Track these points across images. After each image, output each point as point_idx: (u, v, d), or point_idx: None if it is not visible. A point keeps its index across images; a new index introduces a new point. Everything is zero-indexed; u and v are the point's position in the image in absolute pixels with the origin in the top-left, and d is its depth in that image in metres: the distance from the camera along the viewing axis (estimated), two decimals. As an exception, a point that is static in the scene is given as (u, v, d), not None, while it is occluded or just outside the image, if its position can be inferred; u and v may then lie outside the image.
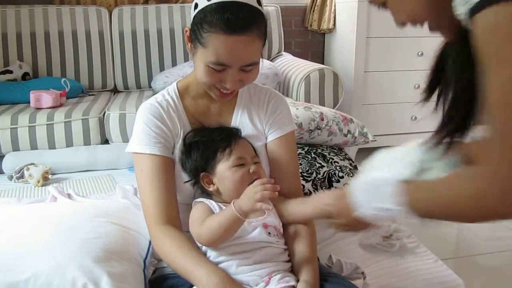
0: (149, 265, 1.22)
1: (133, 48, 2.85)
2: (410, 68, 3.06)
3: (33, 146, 2.20)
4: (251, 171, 1.09)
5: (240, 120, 1.22)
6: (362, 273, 1.35)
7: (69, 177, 2.10)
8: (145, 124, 1.14)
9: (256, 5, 1.06)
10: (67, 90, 2.42)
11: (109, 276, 1.03)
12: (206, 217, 1.04)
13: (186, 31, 1.11)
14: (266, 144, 1.23)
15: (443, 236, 2.20)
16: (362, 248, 1.52)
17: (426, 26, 0.75)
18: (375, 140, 2.07)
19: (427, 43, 3.03)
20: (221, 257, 1.04)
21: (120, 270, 1.07)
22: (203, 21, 1.03)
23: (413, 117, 3.14)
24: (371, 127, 3.06)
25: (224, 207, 1.08)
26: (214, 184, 1.11)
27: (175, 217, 1.11)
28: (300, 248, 1.11)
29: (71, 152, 2.20)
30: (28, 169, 2.01)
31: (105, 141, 2.32)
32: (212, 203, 1.09)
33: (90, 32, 2.81)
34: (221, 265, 1.03)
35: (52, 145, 2.21)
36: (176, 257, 1.03)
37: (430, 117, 3.19)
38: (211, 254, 1.05)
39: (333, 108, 2.55)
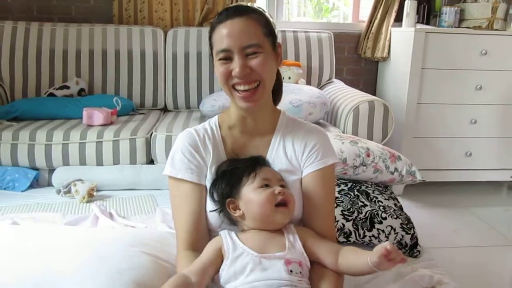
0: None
1: (185, 69, 2.90)
2: (466, 102, 2.93)
3: (82, 161, 2.26)
4: (276, 192, 1.10)
5: (275, 152, 1.24)
6: (400, 327, 1.28)
7: (113, 195, 2.15)
8: (180, 151, 1.21)
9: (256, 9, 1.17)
10: (118, 109, 2.48)
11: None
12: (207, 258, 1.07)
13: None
14: (301, 179, 1.21)
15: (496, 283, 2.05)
16: (402, 298, 1.44)
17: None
18: (424, 180, 1.97)
19: (487, 77, 2.90)
20: None
21: None
22: (211, 30, 1.17)
23: (468, 153, 2.99)
24: (421, 161, 2.96)
25: (239, 243, 1.07)
26: (240, 209, 1.13)
27: (201, 243, 1.13)
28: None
29: (117, 170, 2.25)
30: (75, 185, 2.07)
31: (151, 161, 2.36)
32: (227, 238, 1.09)
33: (145, 51, 2.89)
34: None
35: (100, 162, 2.27)
36: None
37: (484, 153, 3.04)
38: None
39: (382, 141, 2.47)
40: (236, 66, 1.12)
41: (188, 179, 1.17)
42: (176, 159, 1.20)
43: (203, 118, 2.60)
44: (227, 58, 1.13)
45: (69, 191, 2.10)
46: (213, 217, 1.18)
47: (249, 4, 1.19)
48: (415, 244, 1.70)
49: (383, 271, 1.02)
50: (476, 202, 2.96)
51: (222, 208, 1.15)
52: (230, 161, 1.21)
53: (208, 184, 1.19)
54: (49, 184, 2.27)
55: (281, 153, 1.23)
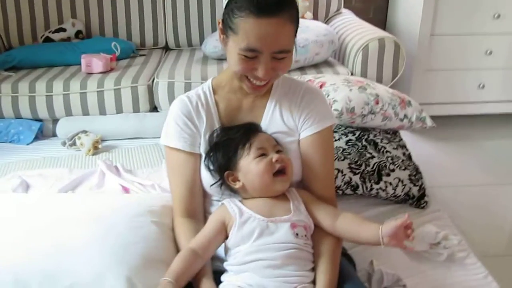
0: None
1: (185, 4, 2.74)
2: (483, 32, 2.77)
3: (85, 111, 2.23)
4: (273, 160, 1.09)
5: (271, 115, 1.21)
6: (404, 285, 1.31)
7: (118, 145, 2.14)
8: (174, 120, 1.19)
9: None
10: (117, 54, 2.40)
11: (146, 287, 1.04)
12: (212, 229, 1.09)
13: (219, 22, 1.11)
14: (299, 141, 1.21)
15: (494, 231, 2.07)
16: (406, 254, 1.46)
17: None
18: (434, 126, 1.91)
19: (506, 4, 2.72)
20: (247, 257, 1.05)
21: (157, 281, 1.08)
22: (234, 7, 1.03)
23: (481, 85, 2.89)
24: (432, 95, 2.88)
25: (245, 209, 1.09)
26: (239, 181, 1.12)
27: (196, 210, 1.19)
28: (324, 252, 1.09)
29: (121, 119, 2.22)
30: (79, 138, 2.06)
31: (154, 108, 2.32)
32: (232, 206, 1.11)
33: (142, -13, 2.72)
34: (247, 266, 1.04)
35: (102, 111, 2.24)
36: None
37: (498, 85, 2.95)
38: (237, 256, 1.06)
39: (392, 81, 2.38)
40: (262, 69, 1.06)
41: (181, 148, 1.17)
42: (169, 128, 1.20)
43: (205, 59, 2.51)
44: (252, 56, 1.05)
45: (74, 144, 2.09)
46: (214, 188, 1.18)
47: None
48: (422, 195, 1.69)
49: (386, 246, 1.03)
50: (485, 135, 2.92)
51: (222, 181, 1.15)
52: (222, 130, 1.18)
53: (202, 152, 1.19)
54: (54, 134, 2.26)
55: (277, 116, 1.21)
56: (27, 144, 2.16)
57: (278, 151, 1.13)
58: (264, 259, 1.03)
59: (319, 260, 1.08)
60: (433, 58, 2.80)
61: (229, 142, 1.14)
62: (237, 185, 1.13)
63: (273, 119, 1.20)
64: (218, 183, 1.16)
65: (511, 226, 2.14)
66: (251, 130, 1.16)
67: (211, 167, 1.16)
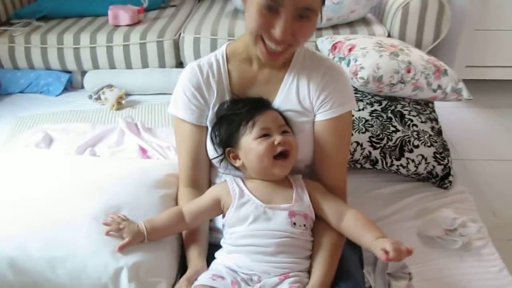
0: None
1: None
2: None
3: (111, 65, 2.22)
4: (276, 142, 1.03)
5: (287, 91, 1.14)
6: (409, 273, 1.26)
7: (142, 101, 2.13)
8: (182, 90, 1.15)
9: None
10: (145, 6, 2.34)
11: (140, 265, 1.04)
12: (207, 201, 1.08)
13: None
14: (314, 122, 1.13)
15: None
16: (419, 238, 1.40)
17: None
18: (471, 99, 1.77)
19: None
20: (240, 241, 1.03)
21: (154, 257, 1.08)
22: None
23: (537, 48, 2.64)
24: (480, 57, 2.66)
25: (246, 191, 1.06)
26: (240, 159, 1.09)
27: (200, 181, 1.17)
28: (324, 244, 1.04)
29: (147, 74, 2.20)
30: (104, 93, 2.07)
31: (180, 63, 2.27)
32: (233, 185, 1.08)
33: None
34: (239, 249, 1.02)
35: (128, 65, 2.22)
36: None
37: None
38: (231, 237, 1.04)
39: (433, 43, 2.20)
40: (280, 26, 0.97)
41: (187, 120, 1.14)
42: (178, 97, 1.16)
43: (236, 13, 2.41)
44: (272, 10, 0.96)
45: (99, 98, 2.10)
46: (216, 161, 1.15)
47: None
48: (446, 174, 1.59)
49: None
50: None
51: (223, 157, 1.12)
52: (230, 103, 1.12)
53: (209, 124, 1.14)
54: (83, 86, 2.27)
55: (293, 93, 1.13)
56: (56, 96, 2.20)
57: (284, 132, 1.07)
58: (257, 245, 1.01)
59: (318, 251, 1.04)
60: (486, 17, 2.56)
61: (233, 117, 1.09)
62: (237, 163, 1.10)
63: (288, 95, 1.13)
64: (219, 158, 1.13)
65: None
66: (258, 106, 1.09)
67: (214, 141, 1.12)
